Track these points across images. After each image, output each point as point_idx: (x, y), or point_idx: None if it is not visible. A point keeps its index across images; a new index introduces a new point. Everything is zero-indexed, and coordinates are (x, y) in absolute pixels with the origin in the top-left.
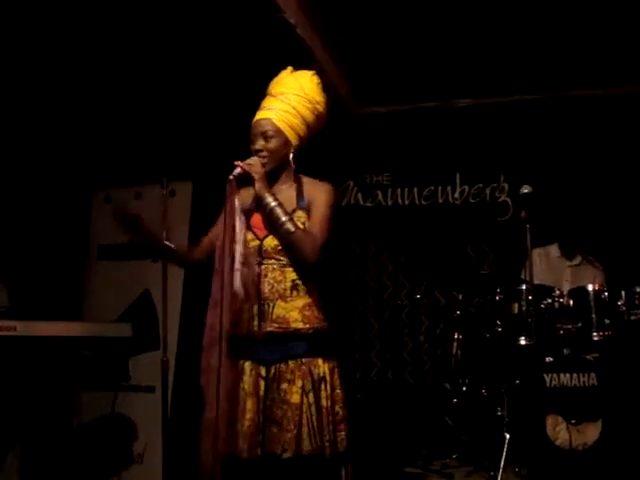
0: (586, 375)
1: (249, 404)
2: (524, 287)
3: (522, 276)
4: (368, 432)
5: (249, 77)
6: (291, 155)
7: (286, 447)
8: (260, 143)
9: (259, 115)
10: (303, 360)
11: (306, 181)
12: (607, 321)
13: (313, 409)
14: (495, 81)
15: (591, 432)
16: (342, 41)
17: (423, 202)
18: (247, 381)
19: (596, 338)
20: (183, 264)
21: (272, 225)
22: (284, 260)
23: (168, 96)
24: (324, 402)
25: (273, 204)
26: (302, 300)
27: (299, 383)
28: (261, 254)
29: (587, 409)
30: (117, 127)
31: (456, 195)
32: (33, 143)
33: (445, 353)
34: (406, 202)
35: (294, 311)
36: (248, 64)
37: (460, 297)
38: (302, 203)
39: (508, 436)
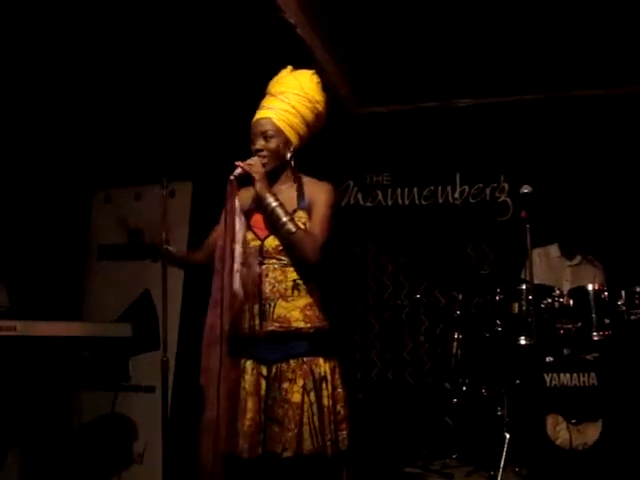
0: (586, 375)
1: (250, 403)
2: (524, 287)
3: (522, 276)
4: (368, 432)
5: (249, 77)
6: (288, 154)
7: (287, 446)
8: (260, 143)
9: (259, 115)
10: (304, 359)
11: (306, 181)
12: (607, 321)
13: (314, 408)
14: (495, 81)
15: (591, 432)
16: (342, 41)
17: (423, 202)
18: (248, 380)
19: (596, 338)
20: (184, 266)
21: (273, 225)
22: (285, 260)
23: (168, 96)
24: (325, 401)
25: (274, 204)
26: (303, 300)
27: (300, 382)
28: (262, 254)
29: (587, 409)
30: (117, 127)
31: (456, 195)
32: (33, 143)
33: (445, 353)
34: (406, 202)
35: (295, 311)
36: (248, 64)
37: (460, 297)
38: (303, 203)
39: (508, 436)
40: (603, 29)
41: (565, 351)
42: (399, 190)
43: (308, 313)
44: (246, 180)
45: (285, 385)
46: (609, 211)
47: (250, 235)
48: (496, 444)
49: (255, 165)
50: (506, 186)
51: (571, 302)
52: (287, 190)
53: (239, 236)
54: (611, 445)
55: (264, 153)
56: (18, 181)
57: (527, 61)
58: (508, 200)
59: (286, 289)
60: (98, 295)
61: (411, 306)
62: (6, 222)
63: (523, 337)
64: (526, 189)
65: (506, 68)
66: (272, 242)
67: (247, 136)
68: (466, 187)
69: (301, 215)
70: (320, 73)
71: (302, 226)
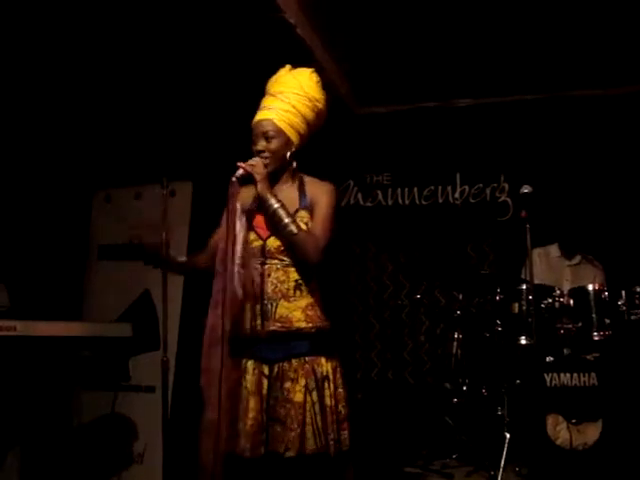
0: (586, 375)
1: (252, 403)
2: (524, 287)
3: (522, 276)
4: (368, 432)
5: (249, 77)
6: (288, 154)
7: (289, 446)
8: (262, 144)
9: (260, 115)
10: (306, 359)
11: (308, 180)
12: (607, 321)
13: (317, 408)
14: (495, 81)
15: (591, 432)
16: (342, 41)
17: (423, 202)
18: (250, 380)
19: (596, 338)
20: (185, 273)
21: (275, 226)
22: (287, 260)
23: (168, 96)
24: (328, 401)
25: (276, 205)
26: (305, 300)
27: (302, 382)
28: (264, 254)
29: (587, 409)
30: (117, 127)
31: (456, 195)
32: (33, 143)
33: (445, 353)
34: (406, 202)
35: (297, 311)
36: (248, 64)
37: (460, 297)
38: (304, 202)
39: (508, 436)
40: (603, 29)
41: (565, 351)
42: (399, 190)
43: (310, 313)
44: (247, 179)
45: (287, 385)
46: (609, 211)
47: (252, 235)
48: (496, 444)
49: (257, 166)
50: (506, 186)
51: (571, 302)
52: (288, 190)
53: (240, 237)
54: (611, 445)
55: (266, 154)
56: (18, 181)
57: (527, 61)
58: (508, 200)
59: (288, 289)
60: (98, 295)
61: (411, 306)
62: (6, 222)
63: (523, 337)
64: (526, 189)
65: (506, 68)
66: (274, 242)
67: (247, 136)
68: (466, 187)
69: (303, 215)
70: (320, 72)
71: (304, 226)
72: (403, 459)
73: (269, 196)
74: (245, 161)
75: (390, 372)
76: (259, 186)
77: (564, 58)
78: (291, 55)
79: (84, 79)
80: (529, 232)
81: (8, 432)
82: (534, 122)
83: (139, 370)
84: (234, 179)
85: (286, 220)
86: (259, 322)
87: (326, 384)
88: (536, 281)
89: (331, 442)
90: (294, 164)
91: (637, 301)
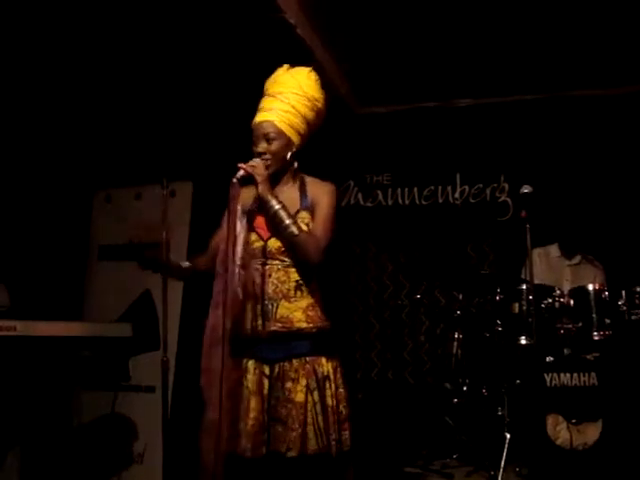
0: (586, 375)
1: (253, 403)
2: (524, 287)
3: (522, 276)
4: (369, 432)
5: (249, 77)
6: (289, 154)
7: (291, 446)
8: (263, 146)
9: (260, 117)
10: (307, 359)
11: (309, 181)
12: (607, 321)
13: (318, 408)
14: (495, 81)
15: (591, 432)
16: (342, 41)
17: (423, 202)
18: (251, 380)
19: (596, 338)
20: (185, 278)
21: (276, 228)
22: (288, 261)
23: (168, 96)
24: (329, 401)
25: (277, 207)
26: (306, 300)
27: (303, 382)
28: (265, 255)
29: (587, 409)
30: (118, 127)
31: (456, 195)
32: (34, 143)
33: (445, 353)
34: (406, 202)
35: (298, 311)
36: (248, 64)
37: (460, 297)
38: (305, 203)
39: (508, 436)
40: (603, 29)
41: (565, 351)
42: (399, 190)
43: (310, 313)
44: (248, 180)
45: (288, 385)
46: (609, 211)
47: (253, 236)
48: (496, 444)
49: (258, 167)
50: (506, 186)
51: (571, 302)
52: (289, 190)
53: (240, 239)
54: (611, 445)
55: (267, 156)
56: (19, 181)
57: (527, 61)
58: (508, 200)
59: (289, 290)
60: (98, 295)
61: (411, 306)
62: (7, 222)
63: (523, 337)
64: (526, 189)
65: (506, 68)
66: (275, 243)
67: (248, 136)
68: (466, 187)
69: (304, 215)
70: (320, 72)
71: (305, 227)
72: (403, 459)
73: (270, 197)
74: (245, 162)
75: (390, 372)
76: (260, 187)
77: (564, 58)
78: (291, 55)
79: (85, 80)
80: (529, 232)
81: (8, 432)
82: (534, 122)
83: (139, 370)
84: (235, 180)
85: (287, 221)
86: (260, 322)
87: (327, 384)
88: (536, 281)
89: (333, 442)
90: (295, 164)
91: (637, 301)
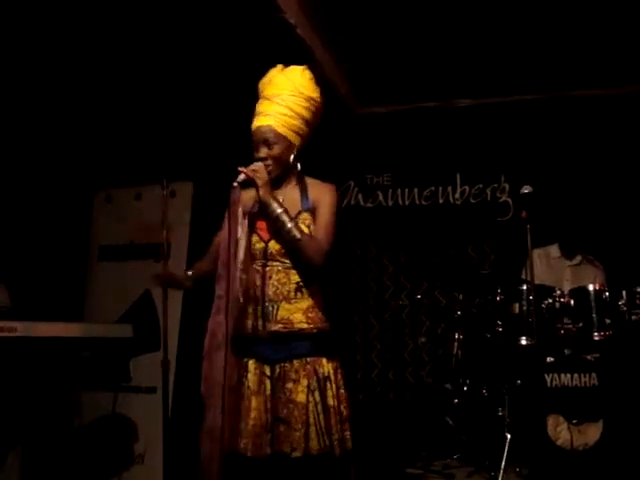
0: (587, 375)
1: (254, 402)
2: (525, 287)
3: (522, 276)
4: (369, 433)
5: (249, 77)
6: (292, 157)
7: (295, 446)
8: (264, 151)
9: (258, 122)
10: (307, 359)
11: (309, 182)
12: (608, 321)
13: (319, 408)
14: (495, 81)
15: (592, 432)
16: (342, 41)
17: (424, 202)
18: (251, 379)
19: (597, 338)
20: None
21: (278, 231)
22: (288, 263)
23: (169, 97)
24: (331, 401)
25: (279, 211)
26: (306, 302)
27: (304, 382)
28: (266, 256)
29: (588, 409)
30: (118, 127)
31: (457, 195)
32: (34, 143)
33: (446, 353)
34: (407, 202)
35: (298, 313)
36: (248, 64)
37: (461, 297)
38: (306, 204)
39: (509, 436)
40: (603, 29)
41: (566, 351)
42: (399, 191)
43: (311, 315)
44: (248, 182)
45: (289, 385)
46: (609, 211)
47: (254, 238)
48: (497, 444)
49: (259, 171)
50: (507, 186)
51: (572, 302)
52: (290, 192)
53: (242, 243)
54: (612, 445)
55: (269, 162)
56: (19, 181)
57: (527, 61)
58: (509, 200)
59: (289, 291)
60: (99, 296)
61: (412, 306)
62: (7, 222)
63: (524, 337)
64: (527, 189)
65: (506, 68)
66: (276, 245)
67: (248, 136)
68: (467, 187)
69: (305, 217)
70: (319, 71)
71: (306, 229)
72: (404, 460)
73: (272, 201)
74: (246, 163)
75: (391, 373)
76: (261, 191)
77: (564, 58)
78: (291, 55)
79: (85, 80)
80: (529, 232)
81: (9, 432)
82: (534, 122)
83: (140, 371)
84: (235, 185)
85: (289, 225)
86: (260, 323)
87: (328, 384)
88: (536, 282)
89: (335, 442)
90: (299, 166)
91: (638, 301)
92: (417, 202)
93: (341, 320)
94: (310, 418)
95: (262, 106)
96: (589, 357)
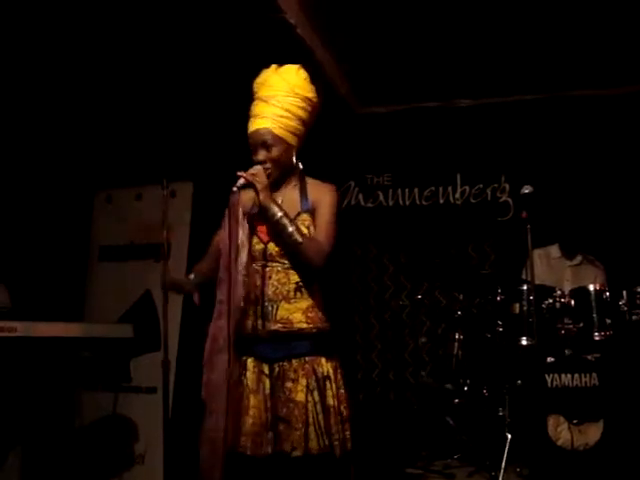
0: (587, 375)
1: (252, 401)
2: (525, 287)
3: (523, 276)
4: (369, 433)
5: (249, 78)
6: (294, 158)
7: (295, 445)
8: (262, 154)
9: (255, 125)
10: (306, 359)
11: (309, 182)
12: (608, 321)
13: (318, 407)
14: (495, 81)
15: (593, 432)
16: (342, 41)
17: (424, 202)
18: (250, 377)
19: (597, 338)
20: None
21: (278, 234)
22: (288, 263)
23: (169, 97)
24: (330, 401)
25: (279, 215)
26: (305, 302)
27: (303, 382)
28: (265, 257)
29: (588, 409)
30: (118, 128)
31: (457, 195)
32: (34, 144)
33: (446, 353)
34: (407, 202)
35: (297, 312)
36: (248, 64)
37: (461, 297)
38: (306, 205)
39: (509, 436)
40: (603, 29)
41: (566, 351)
42: (400, 191)
43: (310, 315)
44: (247, 185)
45: (288, 385)
46: (610, 211)
47: (254, 239)
48: (497, 444)
49: (258, 174)
50: (507, 186)
51: (572, 302)
52: (290, 192)
53: (244, 247)
54: (612, 445)
55: (267, 165)
56: (19, 182)
57: (527, 61)
58: (509, 200)
59: (289, 291)
60: (99, 296)
61: (412, 307)
62: (7, 223)
63: (524, 337)
64: (527, 189)
65: (506, 68)
66: (275, 246)
67: (247, 137)
68: (467, 187)
69: (305, 218)
70: (307, 68)
71: (305, 229)
72: (404, 460)
73: (272, 205)
74: (246, 164)
75: (391, 373)
76: (261, 196)
77: (564, 58)
78: (291, 55)
79: (85, 80)
80: (530, 232)
81: (10, 432)
82: (534, 122)
83: (140, 371)
84: (235, 189)
85: (290, 229)
86: (260, 323)
87: (328, 384)
88: (537, 282)
89: (336, 442)
90: (300, 166)
91: (638, 301)
92: (417, 202)
93: (341, 320)
94: (309, 418)
95: (258, 108)
96: (589, 357)
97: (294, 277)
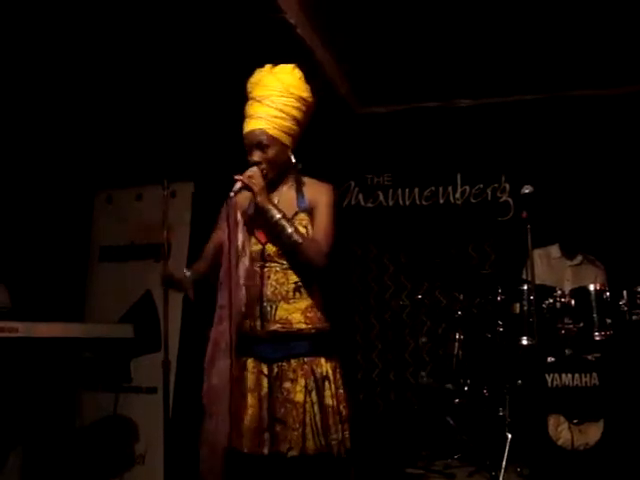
0: (588, 375)
1: (250, 400)
2: (525, 287)
3: (523, 276)
4: (370, 433)
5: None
6: (286, 157)
7: (292, 445)
8: (257, 154)
9: (250, 125)
10: (305, 359)
11: (306, 181)
12: (609, 321)
13: (316, 408)
14: (495, 81)
15: (593, 432)
16: (342, 41)
17: (424, 202)
18: (249, 377)
19: (598, 338)
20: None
21: (277, 235)
22: (286, 263)
23: (169, 97)
24: (329, 401)
25: (278, 216)
26: (304, 302)
27: (302, 382)
28: (264, 258)
29: (589, 409)
30: (118, 128)
31: (457, 195)
32: (35, 144)
33: (447, 353)
34: (407, 202)
35: (296, 313)
36: (249, 64)
37: (461, 297)
38: (303, 204)
39: (510, 436)
40: (603, 29)
41: (567, 351)
42: (400, 190)
43: (309, 315)
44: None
45: (287, 385)
46: (610, 211)
47: (251, 240)
48: (498, 444)
49: (254, 177)
50: (507, 186)
51: (573, 302)
52: (286, 192)
53: (246, 250)
54: (613, 445)
55: (263, 165)
56: (20, 182)
57: (527, 61)
58: (509, 200)
59: (287, 291)
60: (100, 296)
61: (412, 307)
62: (8, 223)
63: (524, 337)
64: (527, 189)
65: (506, 68)
66: (273, 247)
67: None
68: (467, 187)
69: (302, 218)
70: (302, 67)
71: (303, 229)
72: (405, 460)
73: (270, 207)
74: (247, 166)
75: (391, 373)
76: (259, 198)
77: (564, 58)
78: (291, 55)
79: (85, 80)
80: (530, 232)
81: (10, 432)
82: (534, 122)
83: (140, 371)
84: (232, 194)
85: (289, 230)
86: (259, 323)
87: (326, 384)
88: (537, 282)
89: (333, 442)
90: (300, 166)
91: (638, 301)
92: (418, 202)
93: (342, 320)
94: (306, 418)
95: (252, 108)
96: (590, 357)
97: (293, 277)
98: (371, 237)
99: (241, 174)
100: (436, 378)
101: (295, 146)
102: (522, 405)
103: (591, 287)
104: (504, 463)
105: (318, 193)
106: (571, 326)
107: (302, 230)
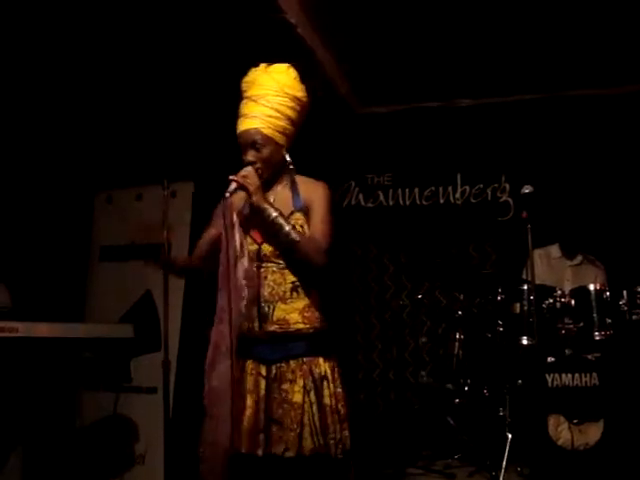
0: (588, 375)
1: (248, 401)
2: (525, 287)
3: (523, 276)
4: (370, 433)
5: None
6: (281, 157)
7: (288, 446)
8: (252, 154)
9: (244, 125)
10: (304, 359)
11: (300, 180)
12: (609, 321)
13: (315, 408)
14: (495, 81)
15: (593, 432)
16: (342, 41)
17: (424, 202)
18: (248, 379)
19: (598, 338)
20: (186, 272)
21: (274, 235)
22: (283, 263)
23: (169, 97)
24: (327, 400)
25: (274, 215)
26: (302, 302)
27: (300, 382)
28: (260, 258)
29: (589, 409)
30: (118, 128)
31: (457, 195)
32: (35, 144)
33: (447, 353)
34: (407, 202)
35: (294, 313)
36: (249, 64)
37: (461, 297)
38: (298, 203)
39: (510, 436)
40: (603, 29)
41: (567, 351)
42: (400, 190)
43: (307, 315)
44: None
45: (285, 386)
46: (610, 211)
47: (247, 240)
48: (498, 444)
49: (249, 177)
50: (507, 186)
51: (573, 302)
52: (281, 192)
53: (245, 251)
54: (613, 445)
55: (258, 165)
56: (20, 182)
57: (527, 61)
58: (509, 200)
59: (285, 291)
60: (100, 296)
61: (412, 306)
62: (8, 223)
63: (525, 337)
64: (527, 189)
65: (506, 68)
66: (269, 246)
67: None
68: (467, 187)
69: (298, 217)
70: (297, 66)
71: (299, 229)
72: (405, 460)
73: (266, 206)
74: (238, 173)
75: (392, 372)
76: (254, 198)
77: (564, 58)
78: (291, 55)
79: (85, 81)
80: (530, 232)
81: (10, 432)
82: (534, 122)
83: (141, 371)
84: (228, 195)
85: (286, 229)
86: (256, 324)
87: (325, 384)
88: (537, 282)
89: (331, 442)
90: (292, 166)
91: (638, 301)
92: (418, 202)
93: (342, 320)
94: (305, 418)
95: (247, 107)
96: (590, 357)
97: (290, 277)
98: (371, 237)
99: (235, 174)
100: (436, 378)
101: (290, 146)
102: (522, 405)
103: (591, 287)
104: (504, 463)
105: (313, 192)
106: (571, 326)
107: (298, 229)
